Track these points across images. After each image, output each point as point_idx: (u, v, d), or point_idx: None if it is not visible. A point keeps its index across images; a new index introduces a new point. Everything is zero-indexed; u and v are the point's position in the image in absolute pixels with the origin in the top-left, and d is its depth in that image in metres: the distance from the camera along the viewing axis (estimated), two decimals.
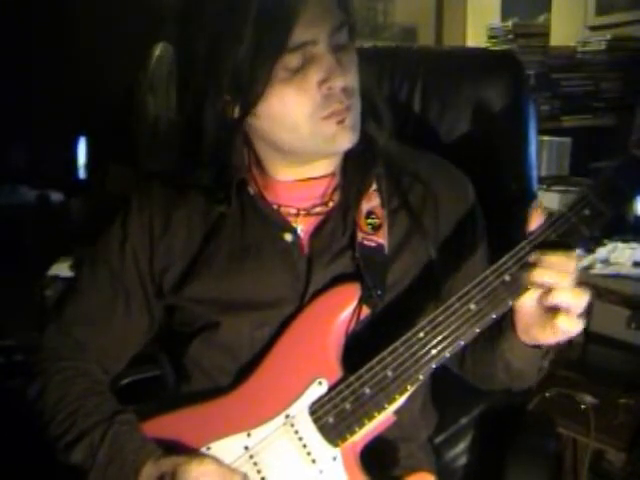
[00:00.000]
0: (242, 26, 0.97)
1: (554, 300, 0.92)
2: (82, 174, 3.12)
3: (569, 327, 0.94)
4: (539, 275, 0.91)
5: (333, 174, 1.13)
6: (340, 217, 1.11)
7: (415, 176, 1.15)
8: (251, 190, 1.13)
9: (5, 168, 3.01)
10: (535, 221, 0.95)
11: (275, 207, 1.12)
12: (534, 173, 1.43)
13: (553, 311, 0.93)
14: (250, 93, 1.00)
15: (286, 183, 1.12)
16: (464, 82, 1.43)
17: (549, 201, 2.34)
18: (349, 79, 1.02)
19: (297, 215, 1.12)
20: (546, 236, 0.94)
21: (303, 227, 1.12)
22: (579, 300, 0.93)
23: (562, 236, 0.95)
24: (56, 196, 3.15)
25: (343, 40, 1.03)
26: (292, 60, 1.00)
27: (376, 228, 1.10)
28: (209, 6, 1.02)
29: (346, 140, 1.05)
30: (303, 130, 1.03)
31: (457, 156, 1.28)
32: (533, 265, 0.92)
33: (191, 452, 1.04)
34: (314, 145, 1.05)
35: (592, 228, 0.95)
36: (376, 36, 3.48)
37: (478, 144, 1.41)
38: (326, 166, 1.12)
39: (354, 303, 1.04)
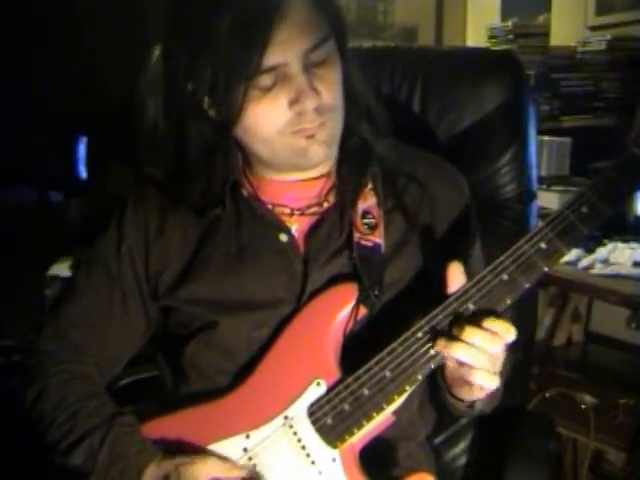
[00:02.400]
0: (214, 49, 0.98)
1: (469, 374, 0.95)
2: (82, 174, 3.11)
3: (485, 383, 0.95)
4: (457, 351, 0.93)
5: (328, 174, 1.13)
6: (337, 217, 1.11)
7: (411, 176, 1.15)
8: (245, 192, 1.13)
9: (5, 168, 3.00)
10: (455, 281, 0.96)
11: (269, 207, 1.12)
12: (534, 173, 1.43)
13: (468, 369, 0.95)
14: (224, 110, 1.02)
15: (280, 183, 1.12)
16: (464, 82, 1.43)
17: (549, 201, 2.34)
18: (324, 97, 1.02)
19: (291, 215, 1.12)
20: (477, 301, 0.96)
21: (297, 227, 1.12)
22: (493, 365, 0.95)
23: (560, 234, 0.95)
24: (56, 196, 3.14)
25: (320, 57, 1.02)
26: (264, 80, 1.00)
27: (372, 228, 1.10)
28: (185, 25, 1.03)
29: (317, 154, 1.05)
30: (275, 144, 1.04)
31: (456, 156, 1.28)
32: (454, 338, 0.94)
33: (193, 452, 1.03)
34: (287, 158, 1.06)
35: (590, 226, 0.95)
36: (376, 36, 3.47)
37: (478, 144, 1.41)
38: (320, 167, 1.12)
39: (351, 303, 1.04)
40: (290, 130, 1.03)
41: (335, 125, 1.06)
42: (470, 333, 0.93)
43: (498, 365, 0.96)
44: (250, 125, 1.04)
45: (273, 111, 1.02)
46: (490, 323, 0.93)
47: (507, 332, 0.94)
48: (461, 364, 0.95)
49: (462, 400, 1.05)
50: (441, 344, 0.95)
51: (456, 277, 0.96)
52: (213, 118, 1.06)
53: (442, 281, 0.96)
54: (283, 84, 1.01)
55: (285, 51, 0.99)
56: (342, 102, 1.07)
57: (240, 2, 0.98)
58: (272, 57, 0.99)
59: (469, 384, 0.98)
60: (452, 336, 0.94)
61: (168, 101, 1.08)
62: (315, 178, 1.12)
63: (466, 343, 0.93)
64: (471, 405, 1.06)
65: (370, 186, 1.13)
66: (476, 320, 0.94)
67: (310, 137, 1.03)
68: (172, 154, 1.10)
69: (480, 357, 0.93)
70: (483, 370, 0.94)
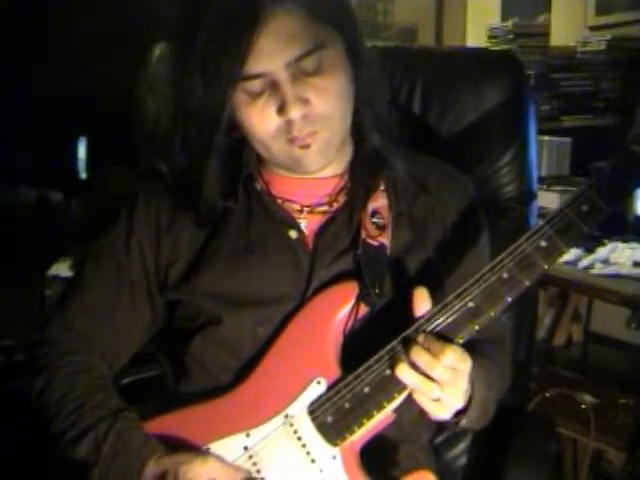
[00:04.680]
0: (198, 54, 1.00)
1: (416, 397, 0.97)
2: (82, 174, 3.11)
3: (430, 410, 0.97)
4: (401, 372, 0.95)
5: (341, 175, 1.14)
6: (346, 217, 1.12)
7: (423, 185, 1.15)
8: (258, 186, 1.14)
9: (5, 168, 3.00)
10: (421, 306, 0.97)
11: (279, 202, 1.13)
12: (534, 173, 1.43)
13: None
14: (212, 111, 1.03)
15: (291, 180, 1.13)
16: (464, 82, 1.43)
17: (549, 201, 2.34)
18: (315, 106, 1.02)
19: (301, 212, 1.13)
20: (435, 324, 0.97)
21: (307, 224, 1.12)
22: (429, 390, 0.95)
23: (560, 232, 0.95)
24: (56, 196, 3.14)
25: (313, 65, 1.02)
26: (253, 85, 1.02)
27: (380, 228, 1.10)
28: (179, 28, 1.06)
29: (312, 163, 1.07)
30: (271, 147, 1.06)
31: (457, 156, 1.28)
32: (400, 360, 0.96)
33: (193, 451, 1.03)
34: (283, 161, 1.08)
35: (590, 225, 0.95)
36: (376, 36, 3.47)
37: (478, 144, 1.41)
38: (333, 167, 1.12)
39: (351, 302, 1.05)
40: (284, 137, 1.04)
41: (331, 133, 1.06)
42: (414, 354, 0.94)
43: (451, 392, 0.96)
44: (246, 127, 1.05)
45: (263, 116, 1.03)
46: (429, 343, 0.94)
47: (441, 352, 0.94)
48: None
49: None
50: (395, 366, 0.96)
51: (422, 302, 0.97)
52: (205, 117, 1.06)
53: (409, 305, 0.98)
54: (271, 92, 1.02)
55: (269, 61, 1.00)
56: (343, 109, 1.06)
57: (221, 11, 0.99)
58: (256, 66, 1.00)
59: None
60: (402, 358, 0.96)
61: (171, 98, 1.09)
62: (327, 178, 1.13)
63: (411, 365, 0.94)
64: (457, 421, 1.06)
65: (382, 187, 1.13)
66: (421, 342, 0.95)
67: (305, 147, 1.04)
68: (178, 150, 1.11)
69: (423, 382, 0.94)
70: (425, 397, 0.95)
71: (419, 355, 0.94)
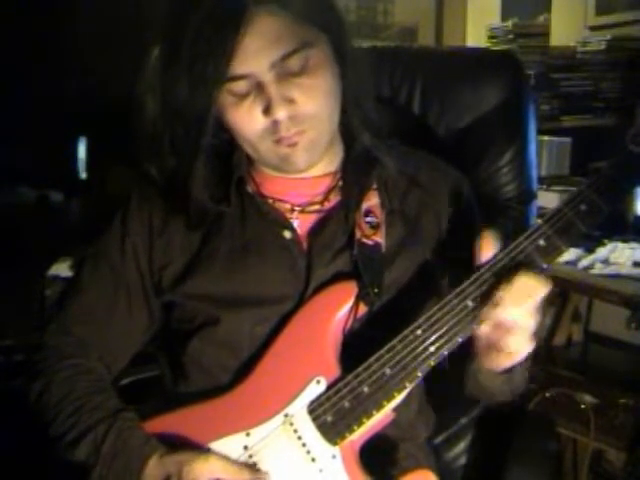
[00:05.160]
0: (185, 58, 1.00)
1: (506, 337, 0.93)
2: (82, 174, 3.11)
3: (519, 347, 0.94)
4: (500, 313, 0.92)
5: (334, 173, 1.14)
6: (342, 216, 1.12)
7: (414, 180, 1.16)
8: (250, 188, 1.14)
9: (5, 168, 3.00)
10: (486, 251, 0.95)
11: (271, 202, 1.13)
12: (534, 173, 1.43)
13: (504, 332, 0.93)
14: (197, 112, 1.03)
15: (282, 180, 1.13)
16: (464, 82, 1.43)
17: (549, 201, 2.34)
18: (301, 105, 1.02)
19: (292, 211, 1.13)
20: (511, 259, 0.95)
21: (300, 224, 1.12)
22: (529, 322, 0.94)
23: (558, 232, 0.95)
24: (56, 196, 3.14)
25: (299, 65, 1.02)
26: (238, 86, 1.02)
27: (374, 227, 1.11)
28: (165, 29, 1.06)
29: (299, 161, 1.07)
30: (259, 147, 1.06)
31: (457, 156, 1.28)
32: (495, 303, 0.92)
33: (195, 450, 1.03)
34: (271, 161, 1.08)
35: (589, 224, 0.95)
36: (376, 36, 3.48)
37: (478, 144, 1.41)
38: (324, 166, 1.13)
39: (350, 301, 1.05)
40: (271, 138, 1.04)
41: (318, 132, 1.06)
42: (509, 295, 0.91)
43: (533, 324, 0.95)
44: (233, 128, 1.06)
45: (250, 117, 1.03)
46: (523, 280, 0.92)
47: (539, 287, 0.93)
48: (497, 327, 0.93)
49: (496, 375, 1.00)
50: (485, 311, 0.92)
51: (488, 248, 0.95)
52: (191, 118, 1.06)
53: (473, 252, 0.95)
54: (257, 93, 1.02)
55: (252, 62, 1.00)
56: (330, 107, 1.06)
57: (207, 13, 0.99)
58: (240, 67, 1.00)
59: (501, 350, 0.94)
60: (493, 299, 0.92)
61: (161, 99, 1.09)
62: (318, 177, 1.13)
63: (510, 304, 0.91)
64: (508, 381, 1.03)
65: (375, 186, 1.13)
66: (508, 279, 0.92)
67: (292, 145, 1.05)
68: (167, 152, 1.11)
69: (523, 315, 0.92)
70: (520, 332, 0.92)
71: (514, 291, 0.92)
